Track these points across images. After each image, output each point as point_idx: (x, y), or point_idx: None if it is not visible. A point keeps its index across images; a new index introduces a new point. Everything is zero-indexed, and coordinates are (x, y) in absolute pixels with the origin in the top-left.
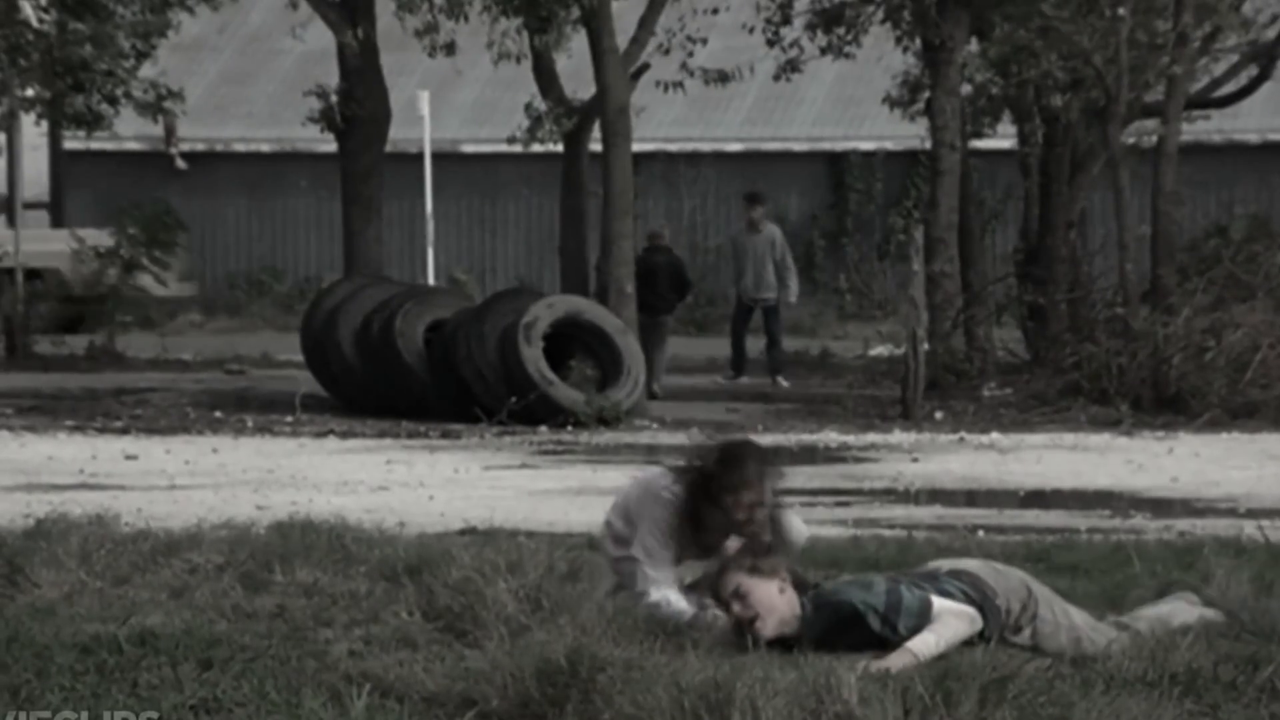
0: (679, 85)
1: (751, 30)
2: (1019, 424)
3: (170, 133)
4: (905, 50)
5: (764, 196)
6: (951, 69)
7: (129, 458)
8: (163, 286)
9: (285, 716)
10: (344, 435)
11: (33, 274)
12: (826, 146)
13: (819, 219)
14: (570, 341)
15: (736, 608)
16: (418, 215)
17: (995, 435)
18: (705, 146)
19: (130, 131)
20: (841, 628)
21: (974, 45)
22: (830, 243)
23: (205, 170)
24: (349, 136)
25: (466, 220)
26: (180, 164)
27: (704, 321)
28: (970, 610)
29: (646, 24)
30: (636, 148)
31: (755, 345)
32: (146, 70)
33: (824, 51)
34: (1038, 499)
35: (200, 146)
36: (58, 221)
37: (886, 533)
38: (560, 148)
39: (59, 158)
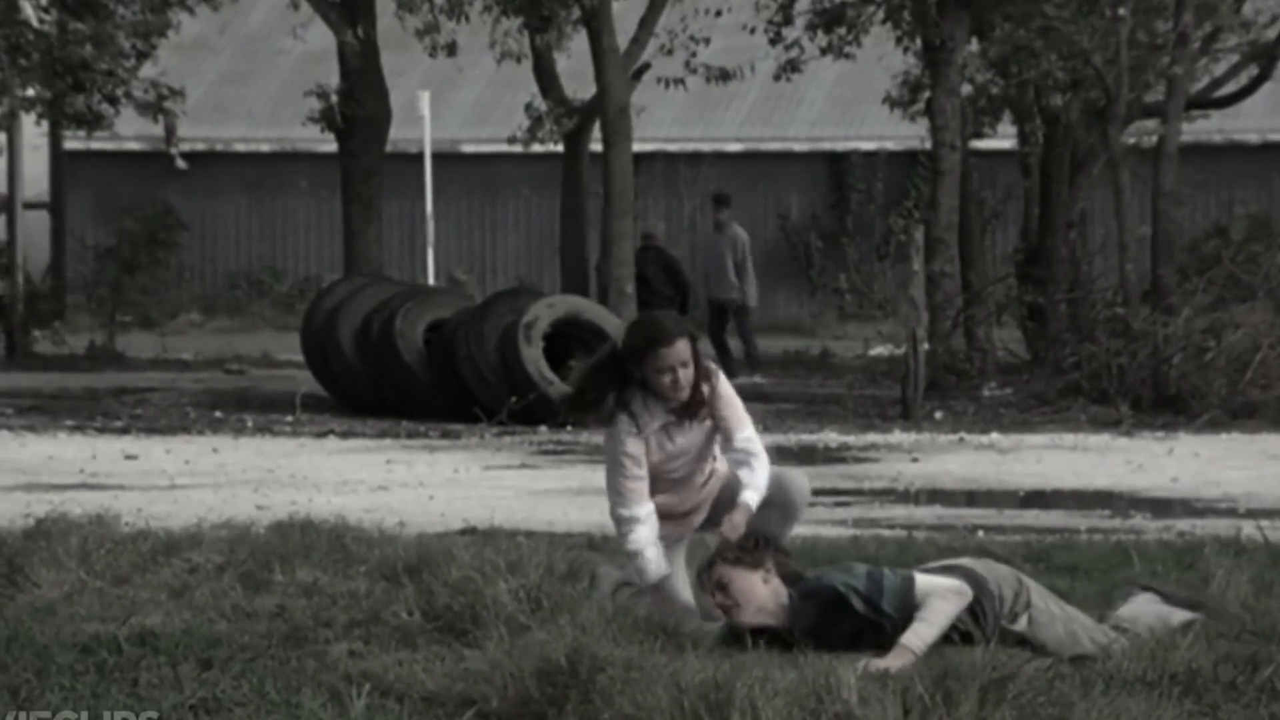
0: (680, 82)
1: (753, 31)
2: (1019, 424)
3: (170, 133)
4: (905, 50)
5: (731, 199)
6: (952, 69)
7: (129, 457)
8: None
9: (285, 716)
10: (344, 435)
11: None
12: (827, 146)
13: (819, 219)
14: (570, 341)
15: (718, 597)
16: (418, 215)
17: (995, 435)
18: (706, 146)
19: (130, 131)
20: (829, 614)
21: (974, 45)
22: (830, 243)
23: (205, 170)
24: (349, 136)
25: (467, 220)
26: (180, 164)
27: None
28: (955, 582)
29: (647, 24)
30: (637, 148)
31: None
32: (147, 70)
33: (824, 51)
34: (1038, 499)
35: (200, 146)
36: (58, 221)
37: (886, 533)
38: (560, 148)
39: (59, 158)
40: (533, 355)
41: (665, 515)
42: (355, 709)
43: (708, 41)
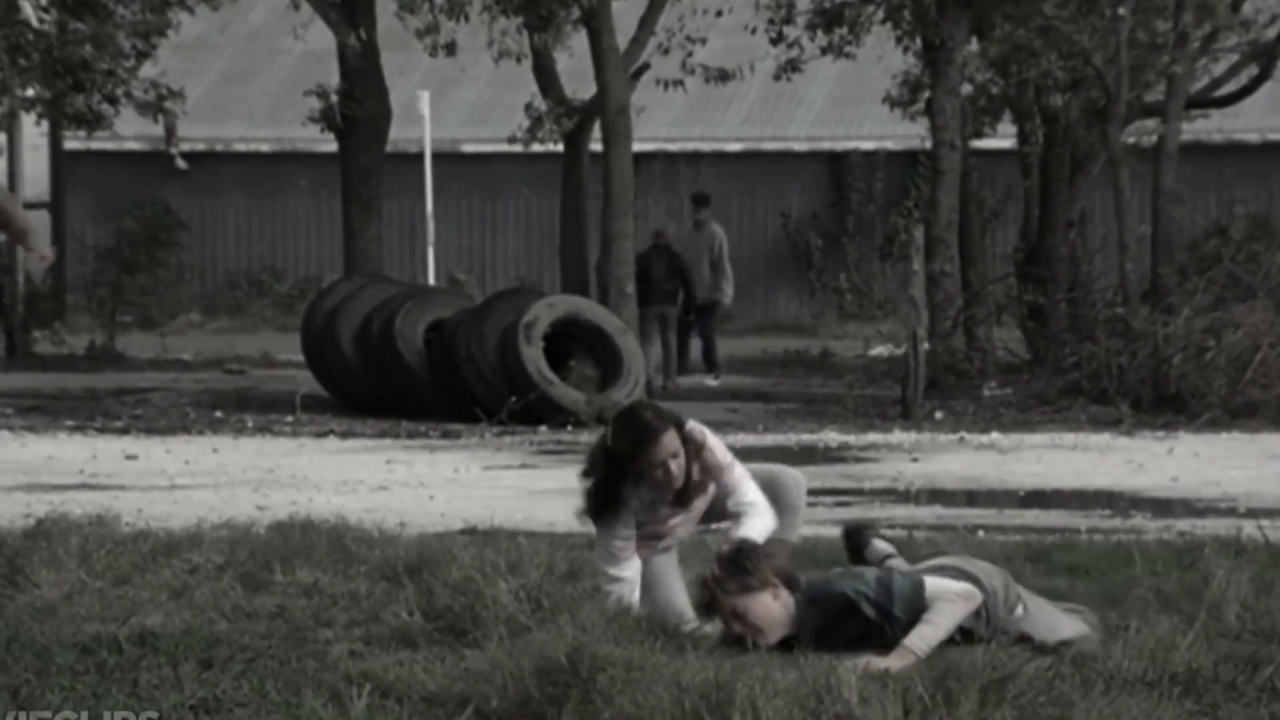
0: (680, 84)
1: (754, 31)
2: (1019, 424)
3: (170, 132)
4: (905, 50)
5: (709, 198)
6: (952, 69)
7: (129, 458)
8: None
9: (285, 716)
10: (344, 435)
11: None
12: (827, 146)
13: (819, 219)
14: (570, 341)
15: (738, 628)
16: (418, 215)
17: (995, 435)
18: (705, 146)
19: (131, 131)
20: (838, 620)
21: (974, 45)
22: (830, 243)
23: (205, 170)
24: (349, 136)
25: (467, 220)
26: (180, 164)
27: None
28: (966, 586)
29: (647, 24)
30: (637, 148)
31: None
32: (147, 70)
33: (824, 51)
34: (1038, 499)
35: (200, 146)
36: (58, 221)
37: (887, 533)
38: (560, 148)
39: (59, 157)
40: (533, 355)
41: (652, 538)
42: (355, 709)
43: (704, 42)
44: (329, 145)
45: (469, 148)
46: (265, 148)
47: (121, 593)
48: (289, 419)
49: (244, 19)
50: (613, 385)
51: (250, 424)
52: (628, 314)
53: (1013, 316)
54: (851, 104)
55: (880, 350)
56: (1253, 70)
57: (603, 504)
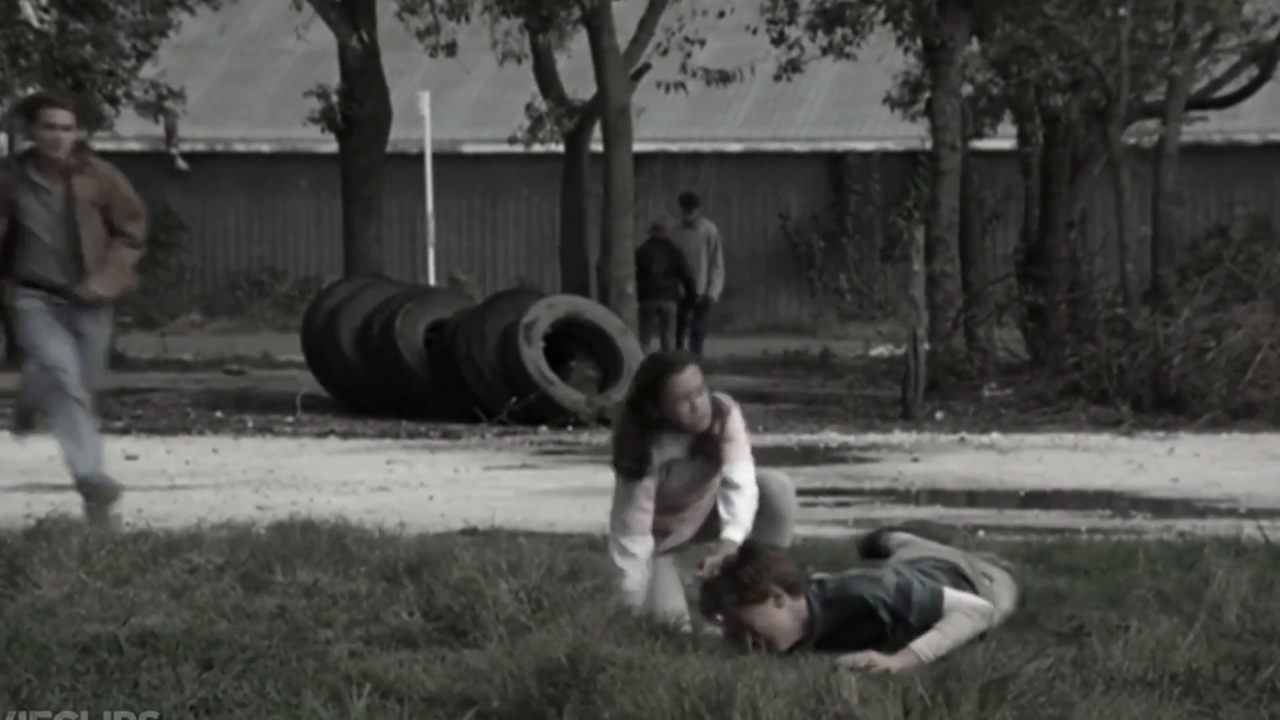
0: (680, 85)
1: (755, 31)
2: (1019, 424)
3: (171, 133)
4: (906, 50)
5: (699, 199)
6: (952, 69)
7: (129, 458)
8: None
9: (286, 717)
10: (344, 435)
11: None
12: (827, 147)
13: (819, 219)
14: (570, 341)
15: (748, 639)
16: (418, 215)
17: (995, 435)
18: (705, 147)
19: (131, 131)
20: (852, 622)
21: (974, 45)
22: (830, 243)
23: (206, 170)
24: (350, 137)
25: (467, 220)
26: (181, 164)
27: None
28: (984, 604)
29: (647, 24)
30: (637, 148)
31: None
32: (147, 70)
33: (825, 51)
34: (1038, 499)
35: (201, 147)
36: None
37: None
38: (561, 148)
39: None
40: (533, 355)
41: (657, 531)
42: (356, 709)
43: (703, 43)
44: (329, 146)
45: (469, 148)
46: (265, 148)
47: (122, 593)
48: (289, 419)
49: (244, 19)
50: (613, 385)
51: (250, 424)
52: (628, 314)
53: (1013, 317)
54: (852, 105)
55: (880, 350)
56: (1253, 71)
57: (631, 449)
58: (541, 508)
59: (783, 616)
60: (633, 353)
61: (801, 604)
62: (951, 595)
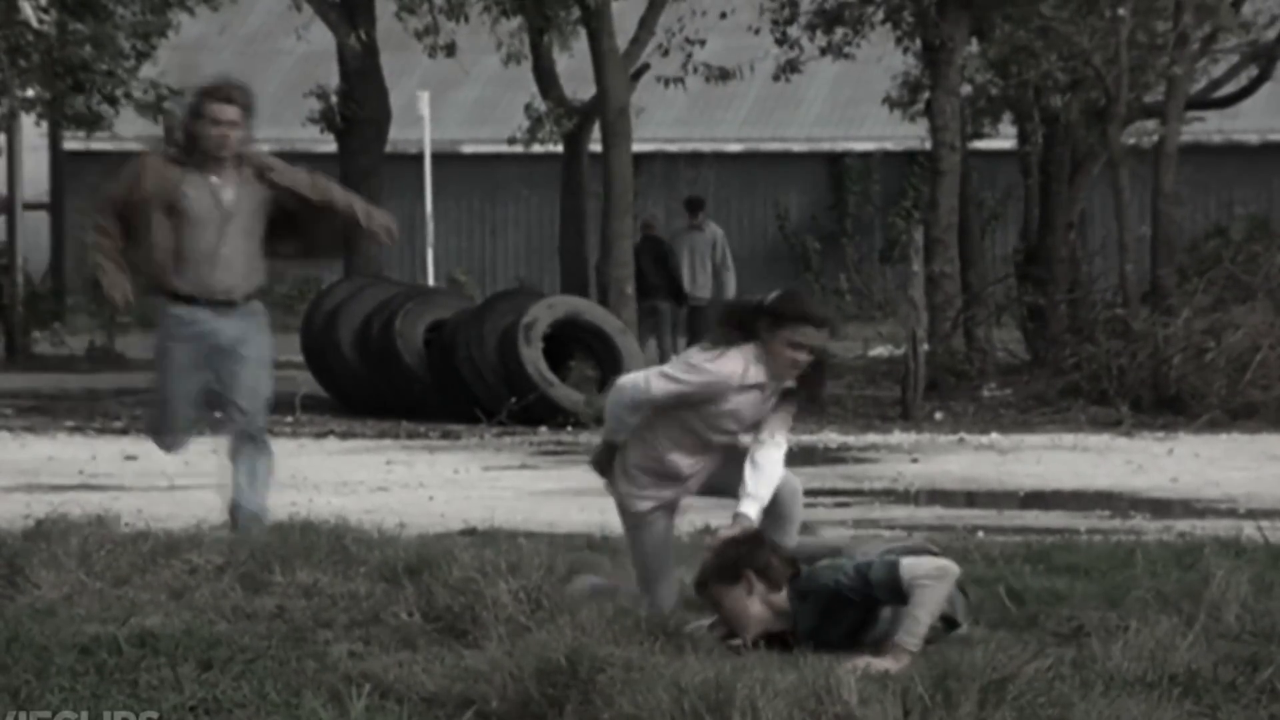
0: (680, 81)
1: (757, 32)
2: (1019, 424)
3: (170, 133)
4: (905, 51)
5: (704, 201)
6: (951, 69)
7: (129, 458)
8: None
9: (285, 717)
10: (344, 436)
11: None
12: (826, 147)
13: (818, 219)
14: (570, 342)
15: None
16: (418, 215)
17: (995, 436)
18: (705, 147)
19: (130, 132)
20: (830, 611)
21: (974, 46)
22: (829, 243)
23: None
24: (349, 137)
25: (466, 220)
26: None
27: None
28: (939, 562)
29: (647, 24)
30: (636, 148)
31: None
32: (147, 71)
33: (824, 52)
34: (1037, 500)
35: None
36: (58, 222)
37: (887, 533)
38: (560, 148)
39: (59, 158)
40: (532, 356)
41: (672, 476)
42: (355, 710)
43: (703, 43)
44: (329, 146)
45: (468, 148)
46: (265, 148)
47: (121, 593)
48: (289, 420)
49: (244, 20)
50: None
51: None
52: (628, 314)
53: (1012, 317)
54: (851, 105)
55: (880, 351)
56: (1252, 71)
57: (734, 336)
58: (541, 508)
59: (752, 604)
60: (632, 353)
61: (781, 598)
62: (908, 562)
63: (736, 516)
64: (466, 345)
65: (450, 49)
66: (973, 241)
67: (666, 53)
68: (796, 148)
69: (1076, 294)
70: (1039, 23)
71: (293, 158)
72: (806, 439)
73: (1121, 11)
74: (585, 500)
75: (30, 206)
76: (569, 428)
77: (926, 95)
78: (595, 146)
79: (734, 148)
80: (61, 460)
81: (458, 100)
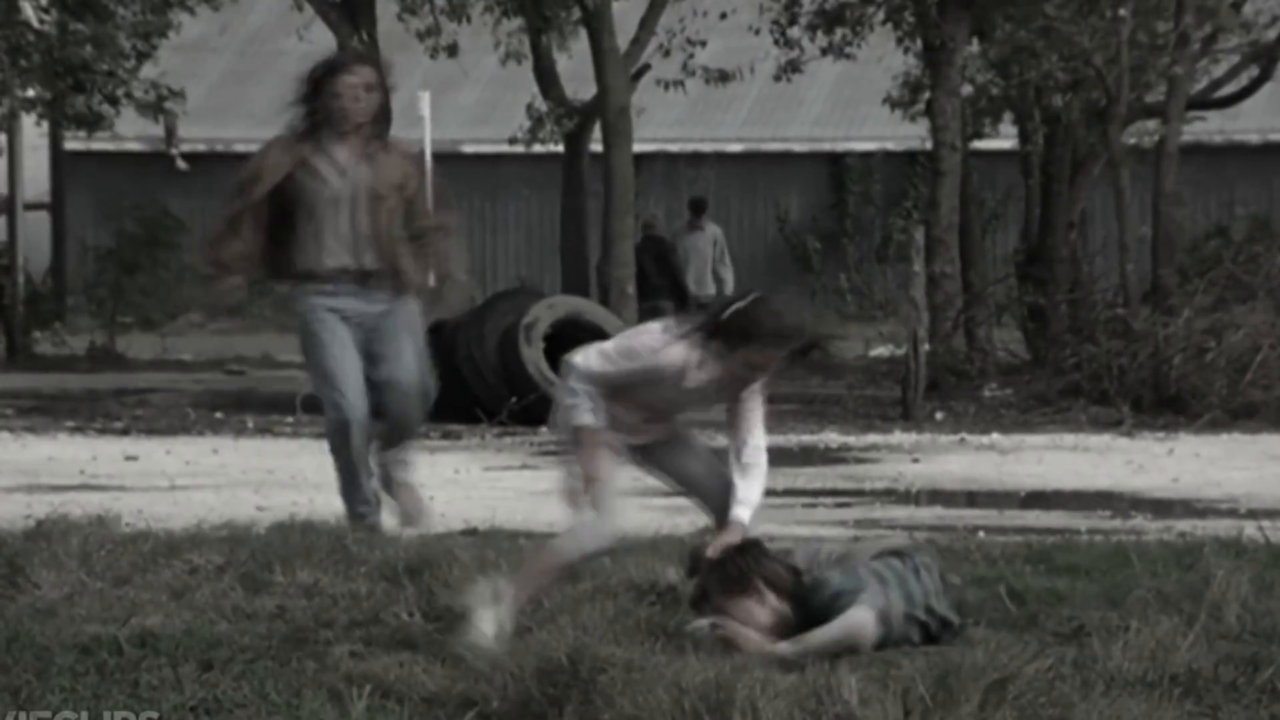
0: (680, 84)
1: (758, 32)
2: (1019, 425)
3: (171, 133)
4: (906, 51)
5: (707, 202)
6: (952, 69)
7: (129, 458)
8: None
9: (286, 717)
10: None
11: None
12: (827, 147)
13: (819, 220)
14: (571, 342)
15: (719, 631)
16: None
17: (996, 436)
18: (706, 147)
19: (131, 132)
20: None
21: (975, 46)
22: (830, 243)
23: (206, 171)
24: None
25: (467, 220)
26: (181, 165)
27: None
28: (865, 627)
29: (647, 25)
30: (637, 148)
31: None
32: (147, 71)
33: (825, 52)
34: (1038, 500)
35: (201, 147)
36: (58, 222)
37: (887, 534)
38: (561, 148)
39: (60, 158)
40: (533, 356)
41: (614, 422)
42: (356, 710)
43: (704, 44)
44: None
45: (469, 148)
46: None
47: (122, 593)
48: (289, 420)
49: (244, 20)
50: None
51: (251, 425)
52: (629, 314)
53: (1013, 317)
54: (852, 105)
55: (881, 351)
56: (1253, 71)
57: (699, 328)
58: (542, 508)
59: (762, 614)
60: None
61: (786, 607)
62: (852, 614)
63: (731, 525)
64: (467, 345)
65: (452, 49)
66: (973, 241)
67: (668, 53)
68: (797, 148)
69: (1077, 294)
70: (1040, 23)
71: None
72: (807, 439)
73: (1122, 12)
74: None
75: (31, 206)
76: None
77: (927, 95)
78: (596, 146)
79: (735, 148)
80: (62, 460)
81: (459, 100)
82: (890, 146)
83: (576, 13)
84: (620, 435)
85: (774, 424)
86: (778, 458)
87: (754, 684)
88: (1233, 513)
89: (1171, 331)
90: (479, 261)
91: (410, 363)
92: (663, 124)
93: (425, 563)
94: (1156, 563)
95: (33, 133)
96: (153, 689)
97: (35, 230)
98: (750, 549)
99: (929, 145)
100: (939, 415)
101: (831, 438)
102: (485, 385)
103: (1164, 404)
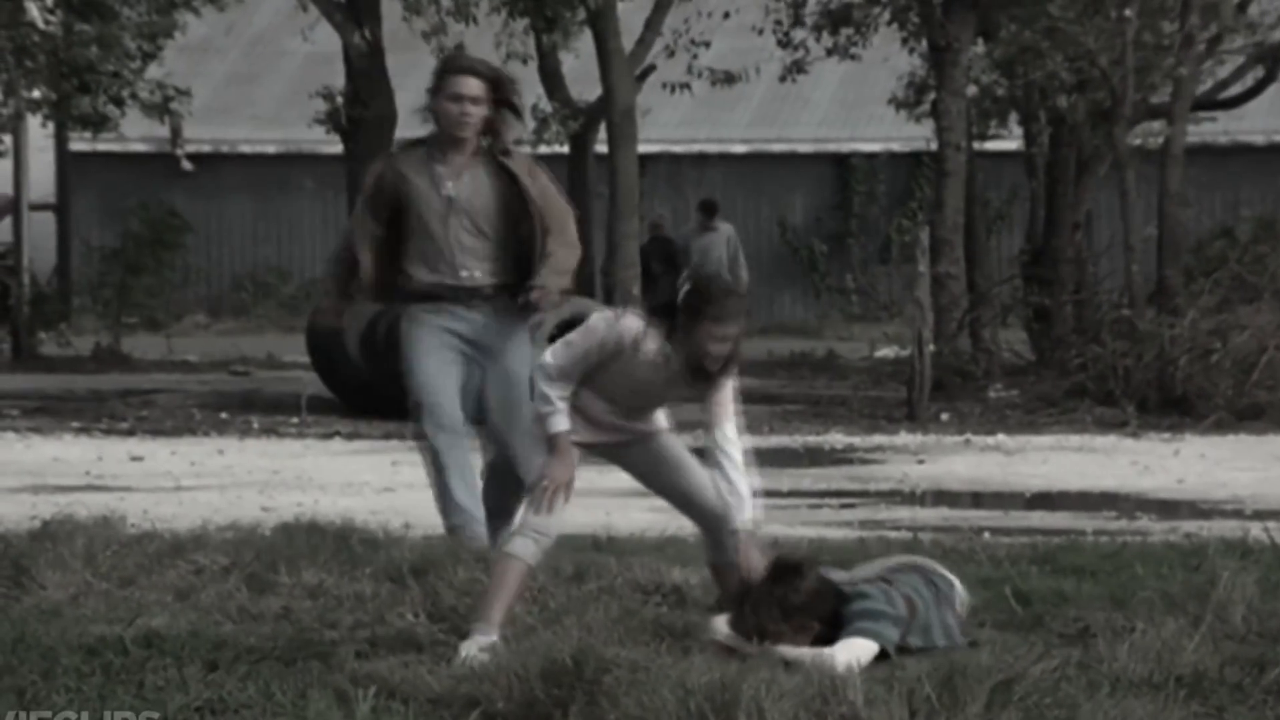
0: (685, 86)
1: (761, 32)
2: (1025, 425)
3: (176, 134)
4: (911, 51)
5: (717, 204)
6: (957, 70)
7: (134, 459)
8: None
9: (291, 718)
10: (349, 436)
11: None
12: (832, 148)
13: (823, 221)
14: None
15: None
16: None
17: (1001, 437)
18: (711, 148)
19: (136, 133)
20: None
21: (980, 46)
22: (835, 244)
23: (211, 171)
24: (355, 138)
25: None
26: (186, 165)
27: None
28: (860, 657)
29: (652, 25)
30: (642, 149)
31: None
32: (153, 71)
33: (830, 53)
34: (1044, 501)
35: (206, 148)
36: (64, 223)
37: (892, 535)
38: (566, 149)
39: (65, 159)
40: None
41: (585, 417)
42: (361, 710)
43: (708, 45)
44: (334, 147)
45: None
46: (271, 149)
47: (127, 594)
48: (294, 420)
49: (249, 21)
50: None
51: (256, 425)
52: None
53: (1018, 318)
54: (857, 106)
55: (886, 352)
56: (1259, 72)
57: (659, 312)
58: None
59: (806, 642)
60: None
61: (824, 628)
62: (857, 641)
63: (743, 537)
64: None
65: (458, 50)
66: (978, 242)
67: (673, 54)
68: (802, 149)
69: (1082, 295)
70: (1045, 23)
71: (298, 159)
72: (812, 440)
73: (1127, 12)
74: (589, 501)
75: (36, 207)
76: None
77: (932, 96)
78: (601, 147)
79: (739, 149)
80: (67, 461)
81: None
82: (895, 147)
83: (581, 13)
84: (600, 434)
85: (779, 425)
86: (782, 458)
87: (759, 685)
88: (1238, 514)
89: (1177, 332)
90: None
91: (518, 417)
92: (668, 125)
93: (430, 564)
94: (1162, 564)
95: (38, 133)
96: (158, 690)
97: (40, 231)
98: (800, 578)
99: (934, 146)
100: (944, 416)
101: (837, 439)
102: None
103: (1169, 405)
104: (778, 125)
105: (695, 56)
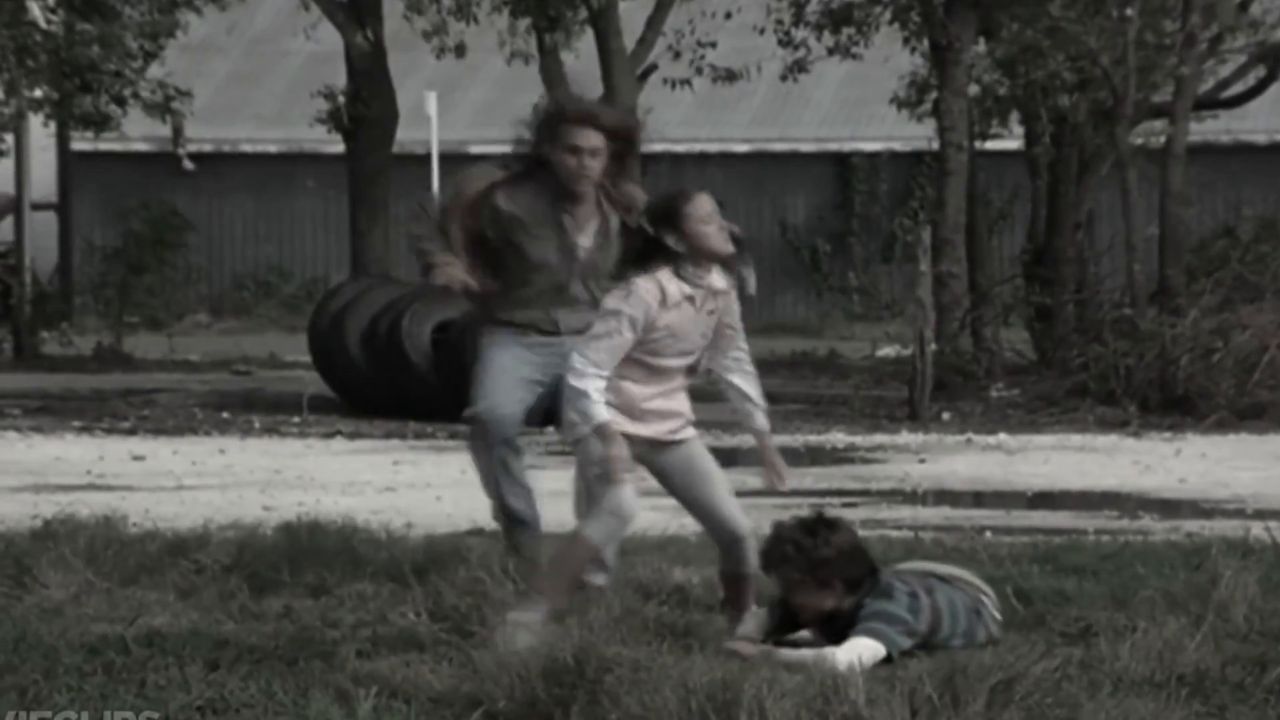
0: (687, 83)
1: (762, 31)
2: (1026, 425)
3: (178, 133)
4: (912, 51)
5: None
6: (959, 69)
7: (136, 458)
8: None
9: (292, 717)
10: (351, 436)
11: None
12: (833, 147)
13: (825, 220)
14: None
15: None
16: None
17: (1002, 436)
18: (712, 147)
19: (138, 132)
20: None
21: (981, 46)
22: (837, 243)
23: (213, 171)
24: (356, 137)
25: None
26: (188, 165)
27: None
28: (868, 656)
29: (654, 25)
30: (643, 148)
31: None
32: (154, 71)
33: (831, 52)
34: (1045, 500)
35: (208, 147)
36: (65, 222)
37: (894, 534)
38: None
39: (67, 158)
40: None
41: (627, 410)
42: (363, 710)
43: (714, 45)
44: (336, 146)
45: (476, 149)
46: (272, 149)
47: (129, 593)
48: (296, 420)
49: (251, 20)
50: None
51: (257, 425)
52: None
53: (1020, 318)
54: (858, 105)
55: (887, 351)
56: (1260, 71)
57: (641, 254)
58: (548, 508)
59: (825, 602)
60: None
61: (850, 600)
62: (865, 641)
63: (760, 435)
64: (474, 345)
65: (459, 49)
66: (980, 242)
67: (677, 55)
68: (804, 148)
69: (1084, 294)
70: (1046, 23)
71: (300, 158)
72: (814, 439)
73: (1129, 11)
74: None
75: (38, 207)
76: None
77: (934, 95)
78: None
79: (741, 148)
80: (69, 460)
81: (465, 101)
82: (897, 146)
83: (583, 13)
84: (642, 426)
85: (781, 424)
86: (784, 458)
87: (761, 684)
88: (1240, 513)
89: (1178, 332)
90: None
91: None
92: (669, 124)
93: (432, 563)
94: (1163, 563)
95: (40, 133)
96: (159, 689)
97: (42, 230)
98: (834, 534)
99: (935, 145)
100: (946, 415)
101: (838, 438)
102: None
103: (1171, 404)
104: (779, 125)
105: (702, 56)
